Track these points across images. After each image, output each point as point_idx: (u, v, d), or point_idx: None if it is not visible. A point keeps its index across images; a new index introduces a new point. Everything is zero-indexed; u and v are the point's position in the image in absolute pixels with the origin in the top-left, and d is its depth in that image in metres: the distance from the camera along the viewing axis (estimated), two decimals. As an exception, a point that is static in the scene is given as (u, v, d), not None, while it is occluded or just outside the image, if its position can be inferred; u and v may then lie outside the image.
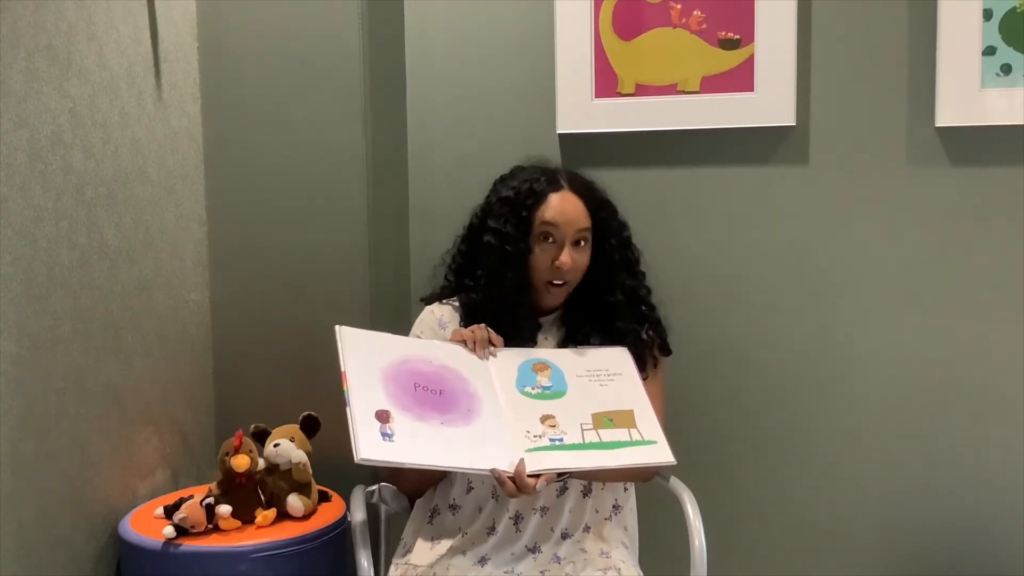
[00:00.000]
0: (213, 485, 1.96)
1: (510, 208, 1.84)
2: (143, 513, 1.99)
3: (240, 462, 1.92)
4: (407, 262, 2.39)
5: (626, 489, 1.89)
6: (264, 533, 1.90)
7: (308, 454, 2.00)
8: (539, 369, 1.80)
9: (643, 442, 1.70)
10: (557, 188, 1.84)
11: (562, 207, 1.82)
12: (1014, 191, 2.09)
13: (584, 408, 1.74)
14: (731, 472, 2.28)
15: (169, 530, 1.85)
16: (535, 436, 1.68)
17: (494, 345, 1.82)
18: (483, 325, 1.84)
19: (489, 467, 1.61)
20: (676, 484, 1.89)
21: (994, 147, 2.09)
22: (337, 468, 2.04)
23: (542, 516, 1.77)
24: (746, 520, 2.29)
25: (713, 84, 2.21)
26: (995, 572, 2.17)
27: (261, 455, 1.99)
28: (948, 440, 2.18)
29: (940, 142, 2.12)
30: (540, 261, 1.83)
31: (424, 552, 1.79)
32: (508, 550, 1.75)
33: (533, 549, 1.75)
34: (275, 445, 1.98)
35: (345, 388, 1.63)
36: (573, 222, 1.82)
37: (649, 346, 1.90)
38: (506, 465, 1.61)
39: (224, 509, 1.89)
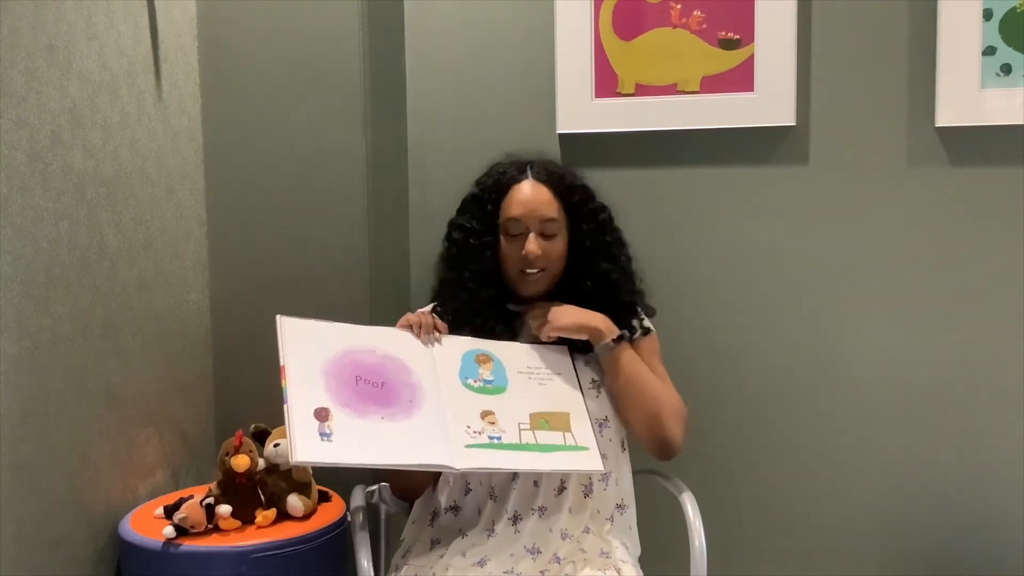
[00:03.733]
0: (213, 485, 1.96)
1: (476, 203, 1.89)
2: (143, 513, 1.99)
3: (240, 462, 1.92)
4: (407, 262, 2.39)
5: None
6: (264, 533, 1.90)
7: (308, 454, 2.00)
8: (482, 361, 1.81)
9: (576, 447, 1.72)
10: (522, 178, 1.86)
11: (525, 198, 1.84)
12: (1014, 191, 2.09)
13: (523, 407, 1.75)
14: (731, 472, 2.28)
15: (169, 530, 1.85)
16: (475, 432, 1.69)
17: (439, 332, 1.82)
18: (427, 311, 1.86)
19: (427, 462, 1.62)
20: (676, 484, 1.89)
21: (994, 147, 2.09)
22: (337, 468, 2.05)
23: (540, 516, 1.77)
24: (746, 520, 2.30)
25: (713, 84, 2.21)
26: (995, 572, 2.17)
27: (261, 455, 1.99)
28: (948, 440, 2.18)
29: (940, 142, 2.12)
30: (509, 252, 1.85)
31: (424, 553, 1.79)
32: (507, 551, 1.75)
33: (532, 550, 1.75)
34: (275, 445, 1.98)
35: (284, 385, 1.62)
36: (537, 211, 1.83)
37: (629, 330, 1.89)
38: (445, 461, 1.62)
39: (224, 509, 1.89)
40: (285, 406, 1.60)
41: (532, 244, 1.82)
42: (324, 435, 1.59)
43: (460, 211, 1.93)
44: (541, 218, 1.83)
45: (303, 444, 1.56)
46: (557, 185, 1.86)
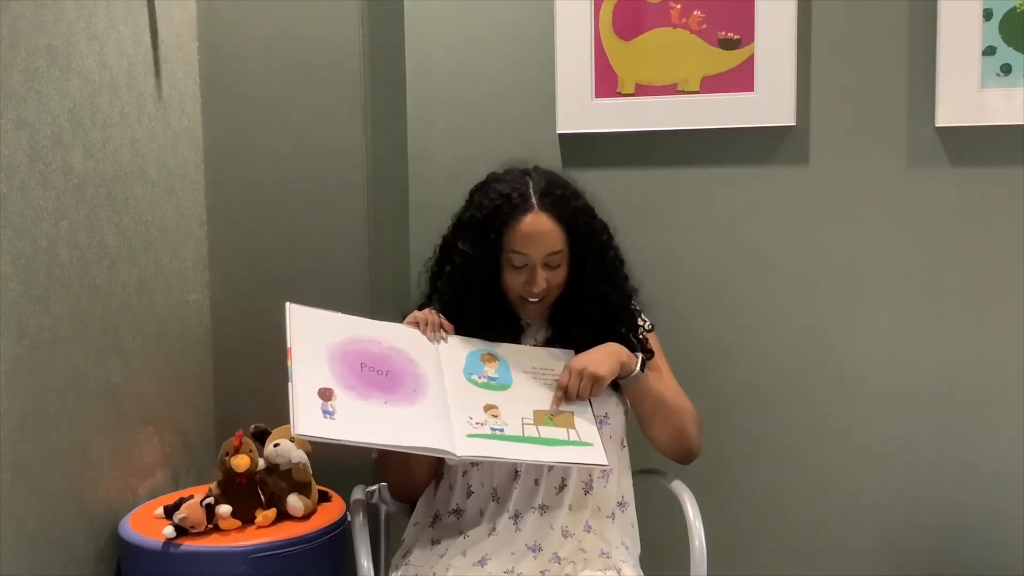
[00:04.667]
0: (213, 485, 1.96)
1: (478, 230, 1.82)
2: (143, 513, 1.99)
3: (240, 462, 1.92)
4: (407, 262, 2.39)
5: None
6: (264, 533, 1.90)
7: (308, 454, 2.00)
8: (487, 360, 1.82)
9: (579, 443, 1.72)
10: (527, 209, 1.80)
11: (531, 232, 1.79)
12: (1014, 191, 2.09)
13: (527, 403, 1.76)
14: (731, 472, 2.28)
15: (169, 530, 1.85)
16: (477, 423, 1.69)
17: (445, 331, 1.83)
18: (434, 311, 1.86)
19: (428, 445, 1.62)
20: (676, 484, 1.89)
21: (994, 147, 2.09)
22: (337, 468, 2.05)
23: (541, 514, 1.77)
24: (746, 520, 2.30)
25: (713, 84, 2.21)
26: (995, 572, 2.17)
27: (261, 455, 1.99)
28: (947, 440, 2.18)
29: (940, 142, 2.12)
30: (512, 281, 1.83)
31: (424, 553, 1.79)
32: (508, 549, 1.75)
33: (533, 547, 1.75)
34: (275, 445, 1.98)
35: (289, 364, 1.64)
36: (543, 247, 1.80)
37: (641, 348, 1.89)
38: (446, 446, 1.62)
39: (224, 509, 1.89)
40: (289, 384, 1.61)
41: (539, 280, 1.80)
42: (327, 412, 1.60)
43: (459, 231, 1.87)
44: (547, 252, 1.80)
45: (305, 418, 1.58)
46: (563, 214, 1.81)
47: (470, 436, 1.67)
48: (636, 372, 1.79)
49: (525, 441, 1.70)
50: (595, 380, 1.74)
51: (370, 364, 1.71)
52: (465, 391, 1.75)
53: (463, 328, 1.86)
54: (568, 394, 1.76)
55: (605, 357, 1.77)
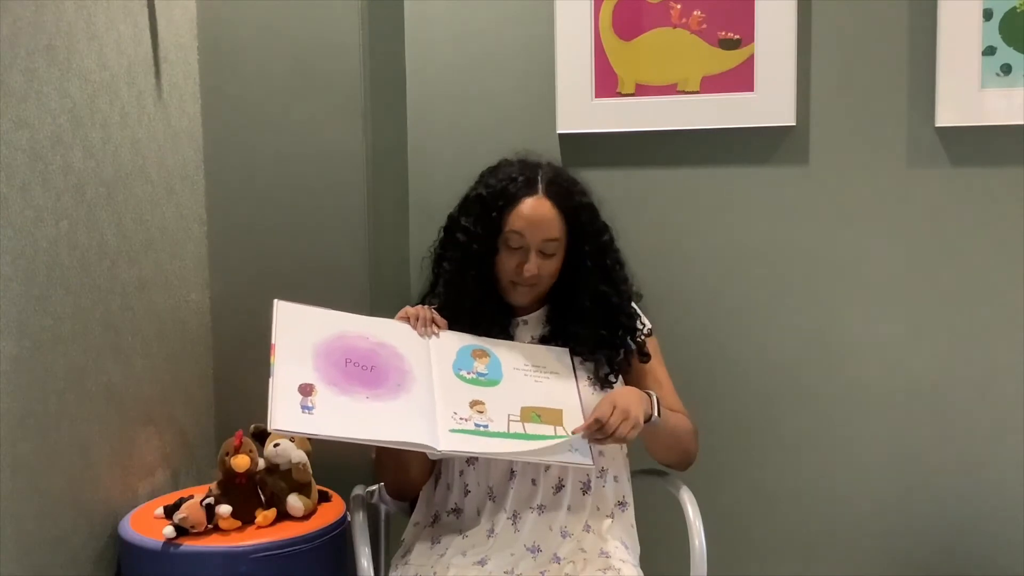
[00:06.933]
0: (213, 485, 1.96)
1: (482, 207, 1.84)
2: (143, 513, 1.99)
3: (240, 462, 1.92)
4: (407, 262, 2.39)
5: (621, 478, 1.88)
6: (264, 533, 1.90)
7: (308, 454, 2.00)
8: (478, 355, 1.81)
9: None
10: (531, 192, 1.81)
11: (531, 215, 1.80)
12: (1014, 191, 2.09)
13: (515, 400, 1.75)
14: (731, 472, 2.28)
15: (169, 530, 1.85)
16: (461, 419, 1.69)
17: (437, 326, 1.83)
18: (428, 306, 1.86)
19: (409, 440, 1.62)
20: (675, 483, 1.89)
21: (994, 147, 2.09)
22: (337, 468, 2.05)
23: (540, 514, 1.77)
24: (746, 520, 2.30)
25: (713, 84, 2.21)
26: (994, 572, 2.17)
27: (261, 455, 1.99)
28: (947, 439, 2.18)
29: (940, 142, 2.12)
30: (505, 263, 1.83)
31: (424, 552, 1.79)
32: (508, 550, 1.75)
33: (532, 548, 1.75)
34: (275, 445, 1.98)
35: (272, 361, 1.64)
36: (541, 231, 1.80)
37: (624, 352, 1.88)
38: (426, 440, 1.62)
39: (224, 509, 1.89)
40: (270, 380, 1.61)
41: (531, 264, 1.80)
42: (305, 408, 1.60)
43: (464, 209, 1.88)
44: (545, 238, 1.81)
45: (282, 413, 1.58)
46: (565, 204, 1.83)
47: (453, 431, 1.66)
48: (655, 419, 1.74)
49: (510, 437, 1.69)
50: (637, 426, 1.68)
51: (355, 360, 1.71)
52: (452, 386, 1.74)
53: (458, 316, 1.85)
54: (606, 430, 1.66)
55: (638, 404, 1.71)
